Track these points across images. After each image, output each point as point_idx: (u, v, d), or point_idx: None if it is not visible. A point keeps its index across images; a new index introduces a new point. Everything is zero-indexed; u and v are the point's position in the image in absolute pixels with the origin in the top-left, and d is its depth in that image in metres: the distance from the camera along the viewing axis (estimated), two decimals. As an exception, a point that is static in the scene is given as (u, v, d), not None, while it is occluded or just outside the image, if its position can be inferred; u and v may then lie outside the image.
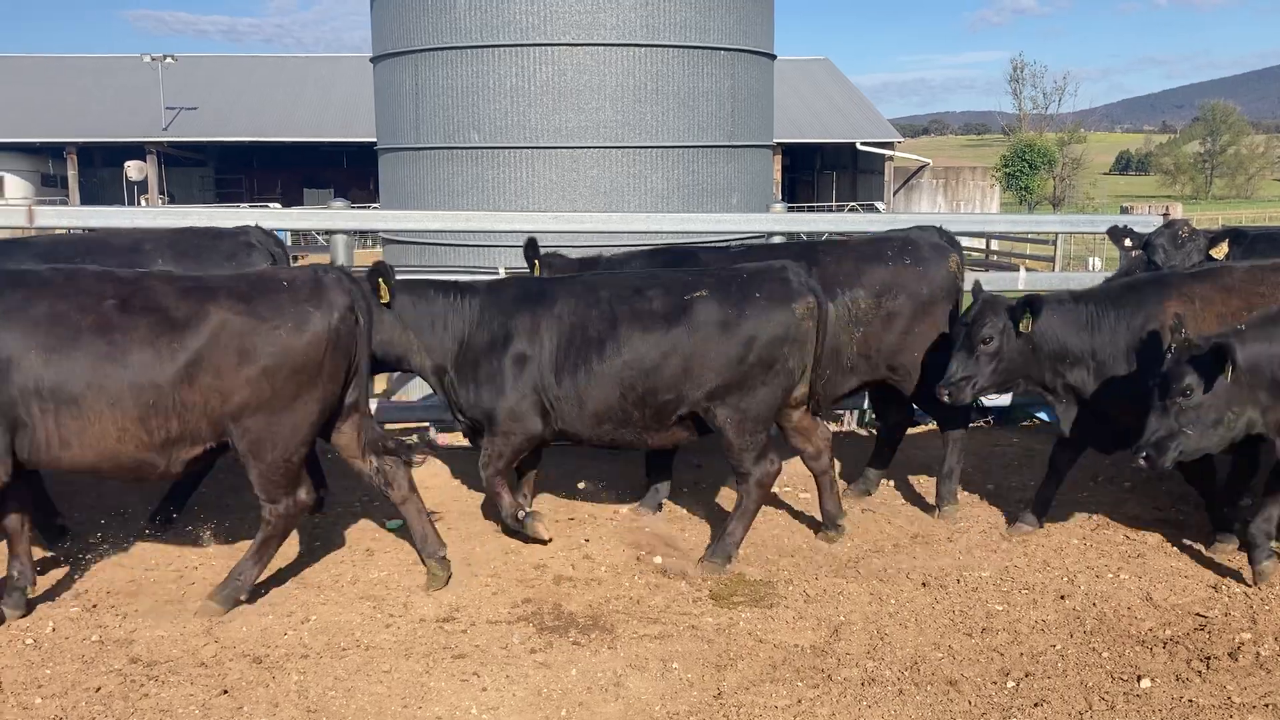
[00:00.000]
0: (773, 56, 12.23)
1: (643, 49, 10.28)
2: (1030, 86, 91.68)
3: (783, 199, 45.50)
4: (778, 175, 41.04)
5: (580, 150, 10.38)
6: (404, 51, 11.03)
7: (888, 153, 40.50)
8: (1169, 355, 5.46)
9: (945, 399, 6.22)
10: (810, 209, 41.14)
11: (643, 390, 5.86)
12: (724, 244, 7.18)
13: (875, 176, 40.73)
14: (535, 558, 6.19)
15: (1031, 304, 6.11)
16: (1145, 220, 8.86)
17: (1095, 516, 6.91)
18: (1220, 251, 7.18)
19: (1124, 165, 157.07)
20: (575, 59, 10.18)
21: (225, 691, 4.68)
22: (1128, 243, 7.57)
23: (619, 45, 10.27)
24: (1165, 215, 8.86)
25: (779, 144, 40.54)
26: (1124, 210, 9.23)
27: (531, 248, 6.77)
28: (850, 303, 6.64)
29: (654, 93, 10.43)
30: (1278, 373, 5.38)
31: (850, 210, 38.85)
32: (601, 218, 7.79)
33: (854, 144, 39.88)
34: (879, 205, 39.21)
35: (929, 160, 43.05)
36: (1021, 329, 6.14)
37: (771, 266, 6.11)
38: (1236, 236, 7.45)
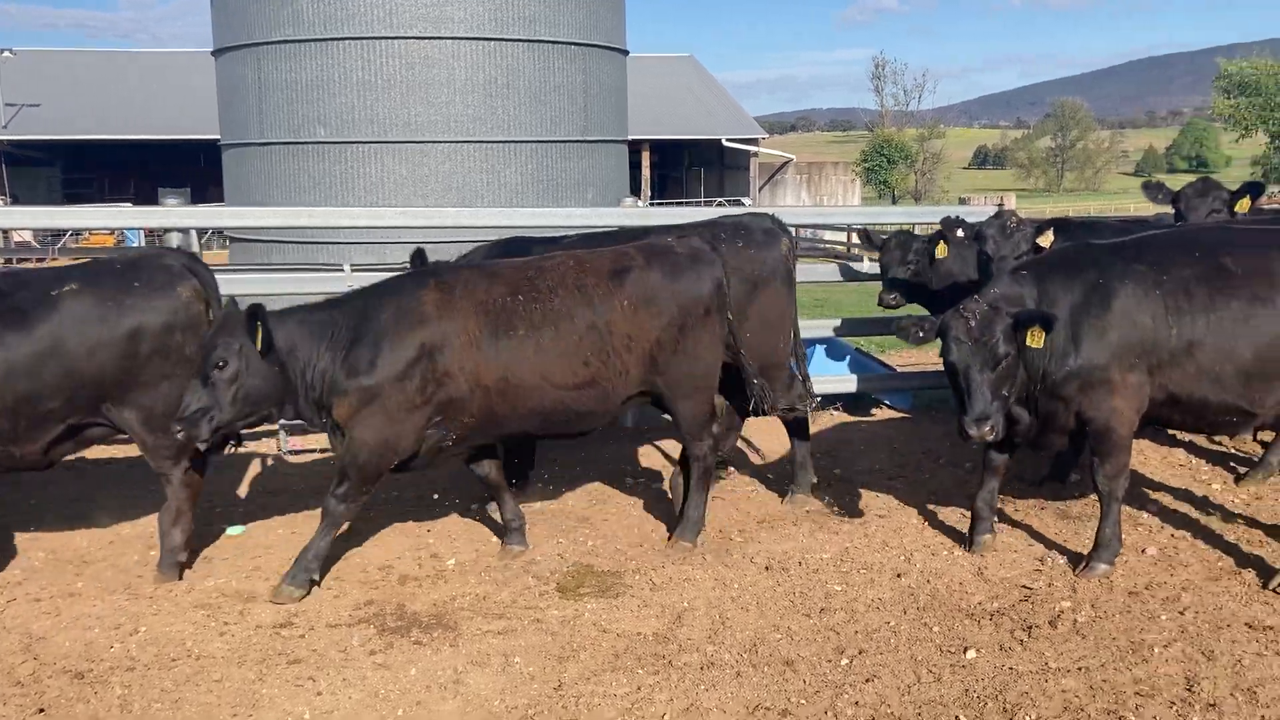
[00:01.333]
0: (625, 52, 12.28)
1: (492, 43, 10.20)
2: (892, 84, 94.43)
3: (653, 195, 45.97)
4: (647, 172, 41.41)
5: (430, 144, 10.24)
6: (245, 45, 10.72)
7: (753, 149, 41.18)
8: None
9: None
10: (680, 205, 41.58)
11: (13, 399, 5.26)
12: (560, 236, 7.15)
13: (741, 172, 41.35)
14: (381, 559, 6.10)
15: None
16: (981, 211, 9.20)
17: (935, 497, 7.15)
18: (1046, 240, 7.52)
19: (982, 160, 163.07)
20: (423, 52, 10.03)
21: (41, 710, 4.47)
22: (960, 232, 7.86)
23: (467, 39, 10.17)
24: (1000, 205, 9.20)
25: (645, 141, 40.96)
26: (962, 201, 9.55)
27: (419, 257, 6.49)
28: None
29: (505, 87, 10.36)
30: None
31: (717, 206, 39.45)
32: (451, 213, 7.70)
33: (720, 140, 40.41)
34: (745, 201, 39.84)
35: (793, 156, 43.93)
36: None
37: (148, 254, 5.90)
38: (1062, 226, 7.83)
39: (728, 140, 40.37)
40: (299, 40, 10.26)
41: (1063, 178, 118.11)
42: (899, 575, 5.88)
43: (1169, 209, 8.20)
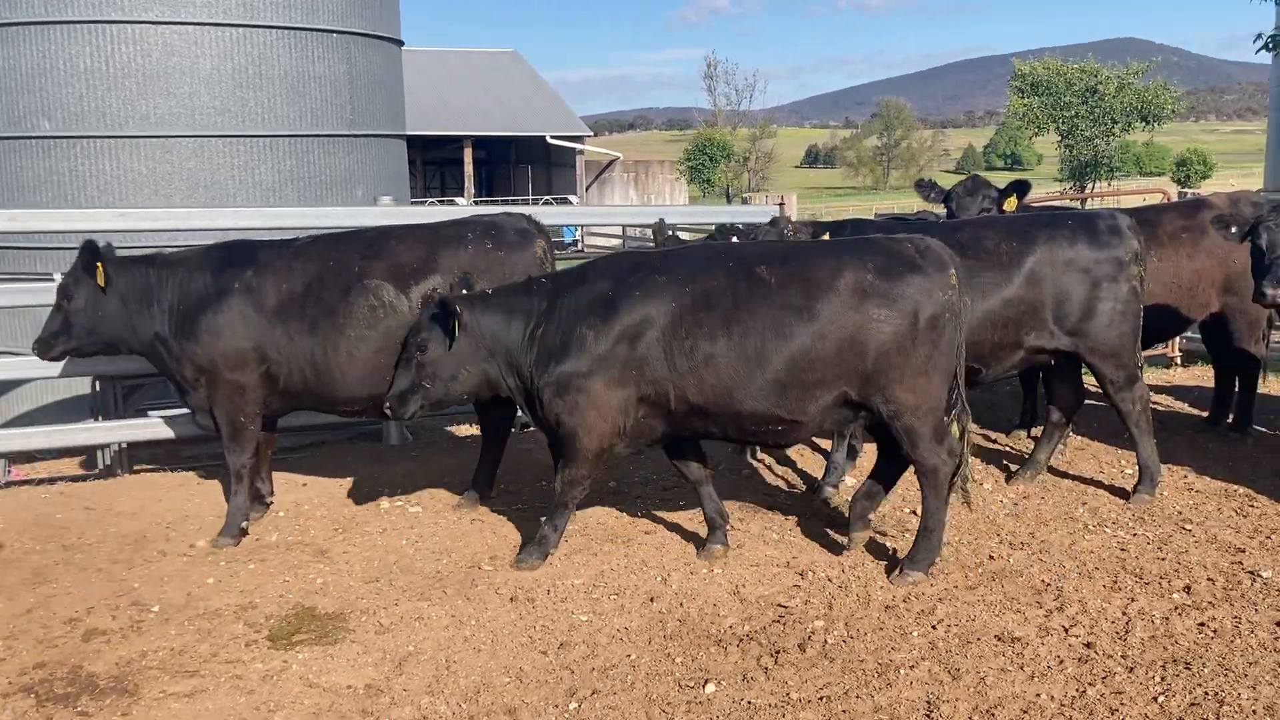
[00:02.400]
0: (399, 42, 11.62)
1: (240, 29, 9.42)
2: (724, 84, 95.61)
3: (480, 193, 45.12)
4: (469, 169, 40.56)
5: (173, 140, 9.37)
6: (-43, 28, 9.64)
7: (578, 146, 40.81)
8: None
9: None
10: (506, 203, 40.91)
11: None
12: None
13: (568, 170, 40.92)
14: (72, 610, 5.36)
15: None
16: (763, 211, 8.97)
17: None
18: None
19: (813, 159, 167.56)
20: (162, 38, 9.17)
21: None
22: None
23: (212, 25, 9.36)
24: (780, 205, 9.00)
25: (468, 137, 40.16)
26: (744, 200, 9.32)
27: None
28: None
29: (256, 77, 9.57)
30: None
31: (544, 204, 38.94)
32: (180, 214, 6.96)
33: (544, 137, 39.90)
34: (572, 199, 39.46)
35: (619, 155, 43.76)
36: None
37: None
38: (836, 228, 7.67)
39: (552, 138, 39.87)
40: (17, 23, 9.24)
41: (889, 175, 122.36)
42: (652, 599, 5.50)
43: (940, 207, 8.17)
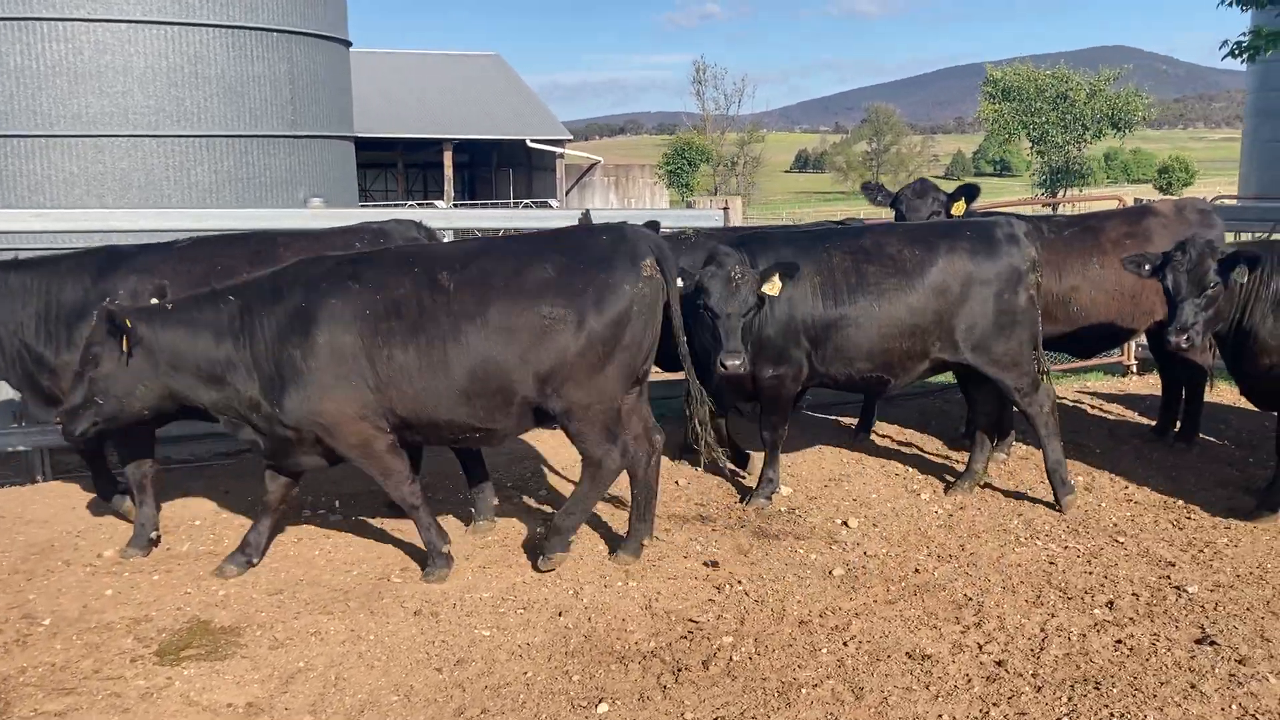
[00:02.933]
0: (345, 42, 11.44)
1: (175, 27, 9.25)
2: (712, 88, 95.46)
3: (462, 195, 44.94)
4: (449, 171, 40.35)
5: (105, 139, 9.20)
6: (-115, 24, 9.44)
7: (559, 150, 40.64)
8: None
9: None
10: (486, 205, 40.73)
11: None
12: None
13: (549, 174, 40.75)
14: (-40, 621, 5.19)
15: None
16: (706, 214, 8.84)
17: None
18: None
19: (803, 164, 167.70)
20: (93, 36, 8.99)
21: None
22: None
23: (145, 23, 9.19)
24: (725, 209, 8.87)
25: (448, 140, 39.94)
26: (689, 205, 9.19)
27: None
28: None
29: (192, 76, 9.40)
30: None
31: (524, 208, 38.77)
32: (99, 214, 6.80)
33: (525, 141, 39.73)
34: (551, 202, 39.30)
35: (600, 159, 43.62)
36: None
37: None
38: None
39: (532, 141, 39.70)
40: (-58, 21, 9.10)
41: (878, 180, 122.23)
42: (560, 613, 5.35)
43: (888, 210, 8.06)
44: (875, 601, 5.49)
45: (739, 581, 5.74)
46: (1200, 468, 7.59)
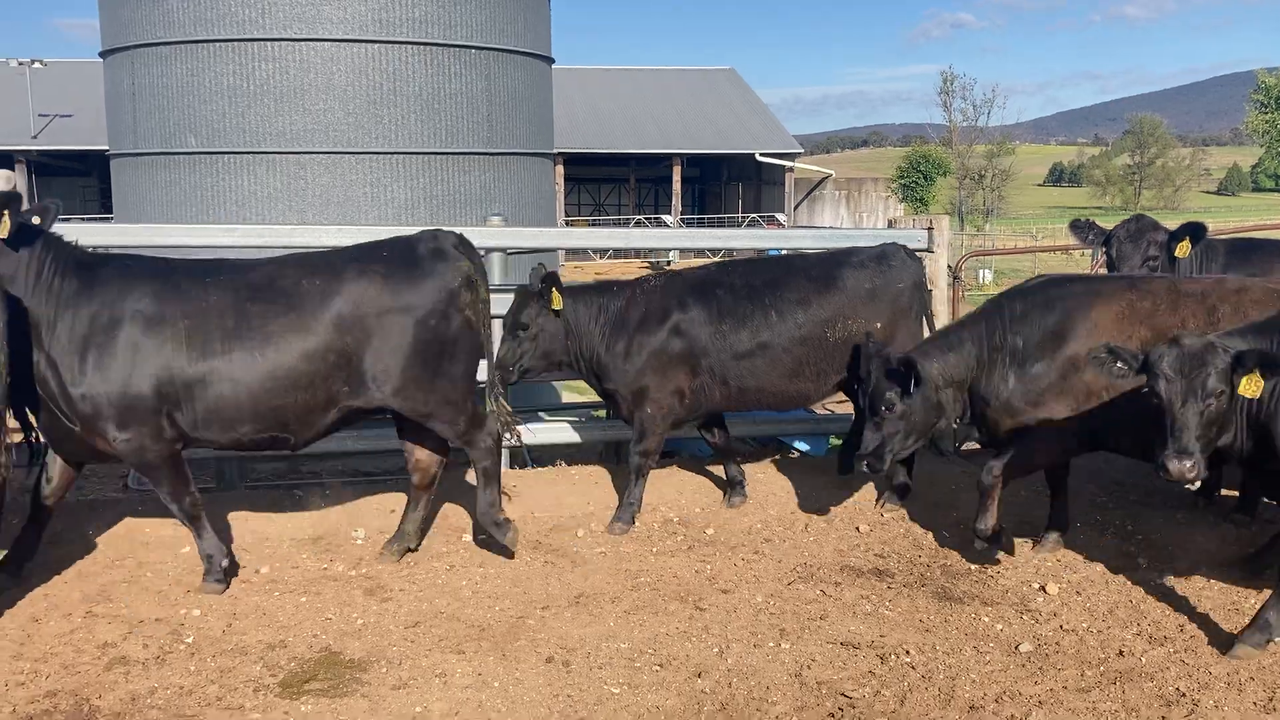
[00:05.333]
0: (548, 59, 11.40)
1: (375, 45, 9.44)
2: (960, 99, 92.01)
3: (692, 210, 45.07)
4: (677, 186, 40.52)
5: (306, 156, 9.48)
6: (123, 47, 10.09)
7: (788, 164, 40.03)
8: None
9: None
10: (712, 221, 40.66)
11: None
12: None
13: (778, 188, 40.24)
14: (107, 635, 5.26)
15: None
16: (909, 234, 8.17)
17: (799, 567, 6.17)
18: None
19: (1057, 177, 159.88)
20: (298, 55, 9.29)
21: None
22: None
23: (346, 41, 9.42)
24: (929, 229, 8.17)
25: (676, 155, 40.13)
26: (890, 223, 8.51)
27: None
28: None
29: (390, 94, 9.55)
30: None
31: (750, 223, 38.43)
32: (284, 230, 6.91)
33: (754, 155, 39.40)
34: (779, 216, 38.76)
35: (831, 172, 42.70)
36: None
37: None
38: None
39: (761, 155, 39.28)
40: (170, 42, 9.62)
41: (1140, 195, 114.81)
42: (699, 674, 4.90)
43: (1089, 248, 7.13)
44: (1064, 688, 4.74)
45: (907, 652, 5.11)
46: None
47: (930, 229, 8.08)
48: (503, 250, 7.43)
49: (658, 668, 4.95)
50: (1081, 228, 7.16)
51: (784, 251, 7.94)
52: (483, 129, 10.16)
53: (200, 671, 4.90)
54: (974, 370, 6.04)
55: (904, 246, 7.19)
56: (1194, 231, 6.64)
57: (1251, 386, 4.73)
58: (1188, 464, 4.72)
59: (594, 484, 7.48)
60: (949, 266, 8.48)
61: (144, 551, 6.35)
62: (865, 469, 6.09)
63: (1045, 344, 5.85)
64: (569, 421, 8.17)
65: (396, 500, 7.30)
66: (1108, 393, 5.68)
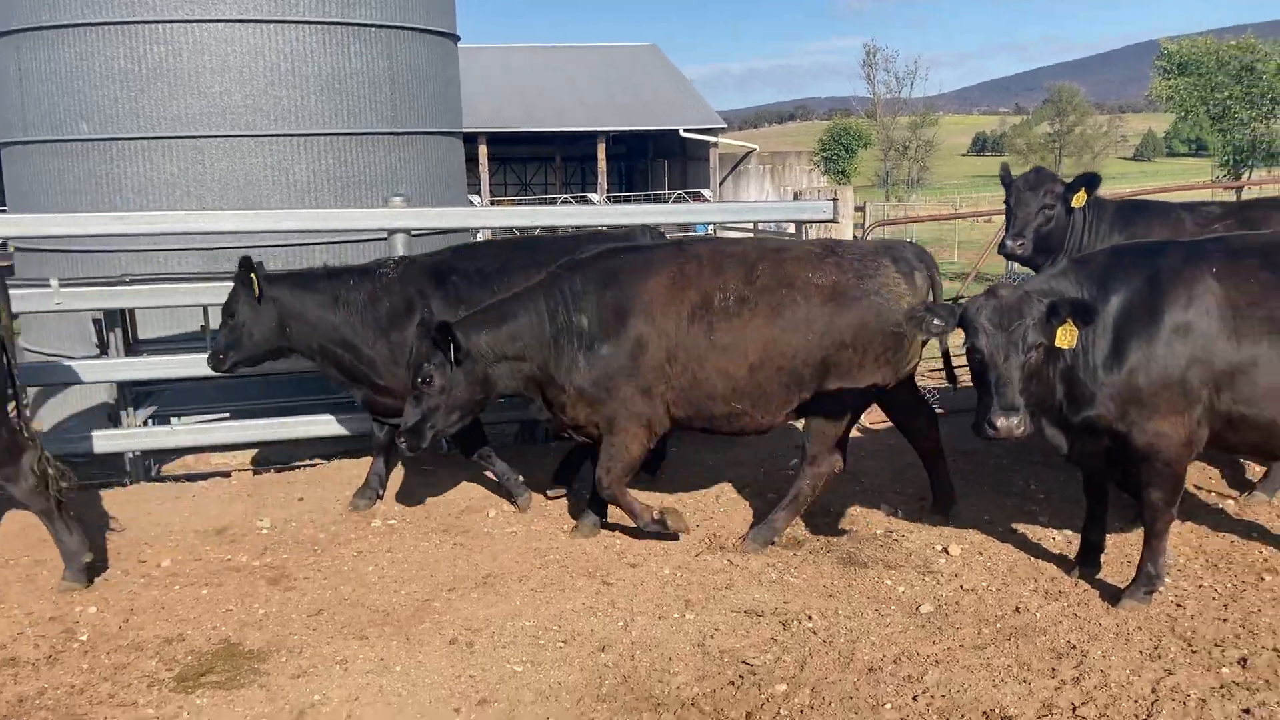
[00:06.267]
0: (454, 37, 11.24)
1: (271, 25, 9.22)
2: (884, 71, 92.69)
3: (618, 188, 44.90)
4: (603, 164, 40.38)
5: (205, 140, 9.26)
6: (6, 31, 9.75)
7: (712, 139, 40.08)
8: None
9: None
10: (643, 198, 40.59)
11: None
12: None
13: (703, 164, 40.29)
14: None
15: None
16: (815, 206, 8.22)
17: (708, 538, 6.22)
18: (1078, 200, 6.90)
19: (980, 146, 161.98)
20: (192, 37, 9.05)
21: None
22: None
23: (241, 21, 9.20)
24: (834, 200, 8.22)
25: (601, 132, 39.97)
26: (796, 195, 8.55)
27: None
28: None
29: (289, 74, 9.35)
30: None
31: (676, 199, 38.45)
32: (177, 217, 6.74)
33: (678, 131, 39.37)
34: (704, 193, 38.82)
35: (755, 146, 42.84)
36: None
37: None
38: None
39: (685, 131, 39.29)
40: (56, 26, 9.31)
41: (1060, 163, 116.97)
42: (603, 648, 4.91)
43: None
44: (961, 646, 4.83)
45: (809, 617, 5.17)
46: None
47: (835, 200, 8.13)
48: (406, 231, 7.33)
49: (562, 644, 4.95)
50: (1005, 175, 7.26)
51: (710, 229, 7.91)
52: (386, 108, 10.00)
53: (93, 669, 4.80)
54: (542, 350, 5.76)
55: (651, 229, 7.11)
56: (1089, 182, 6.77)
57: (1068, 337, 4.69)
58: (1014, 420, 4.57)
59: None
60: (854, 237, 8.54)
61: (41, 550, 6.19)
62: (405, 449, 5.70)
63: (609, 323, 5.69)
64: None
65: (302, 489, 7.23)
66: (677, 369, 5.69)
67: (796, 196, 8.47)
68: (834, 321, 5.71)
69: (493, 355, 5.70)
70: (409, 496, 6.97)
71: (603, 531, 6.35)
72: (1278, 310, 4.71)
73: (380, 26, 9.73)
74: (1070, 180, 6.85)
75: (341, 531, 6.44)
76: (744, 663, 4.76)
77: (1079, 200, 6.74)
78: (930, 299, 5.83)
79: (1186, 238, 6.09)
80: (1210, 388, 4.79)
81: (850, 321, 5.72)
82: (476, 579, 5.70)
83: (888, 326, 5.69)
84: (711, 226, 35.09)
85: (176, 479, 8.03)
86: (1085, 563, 5.55)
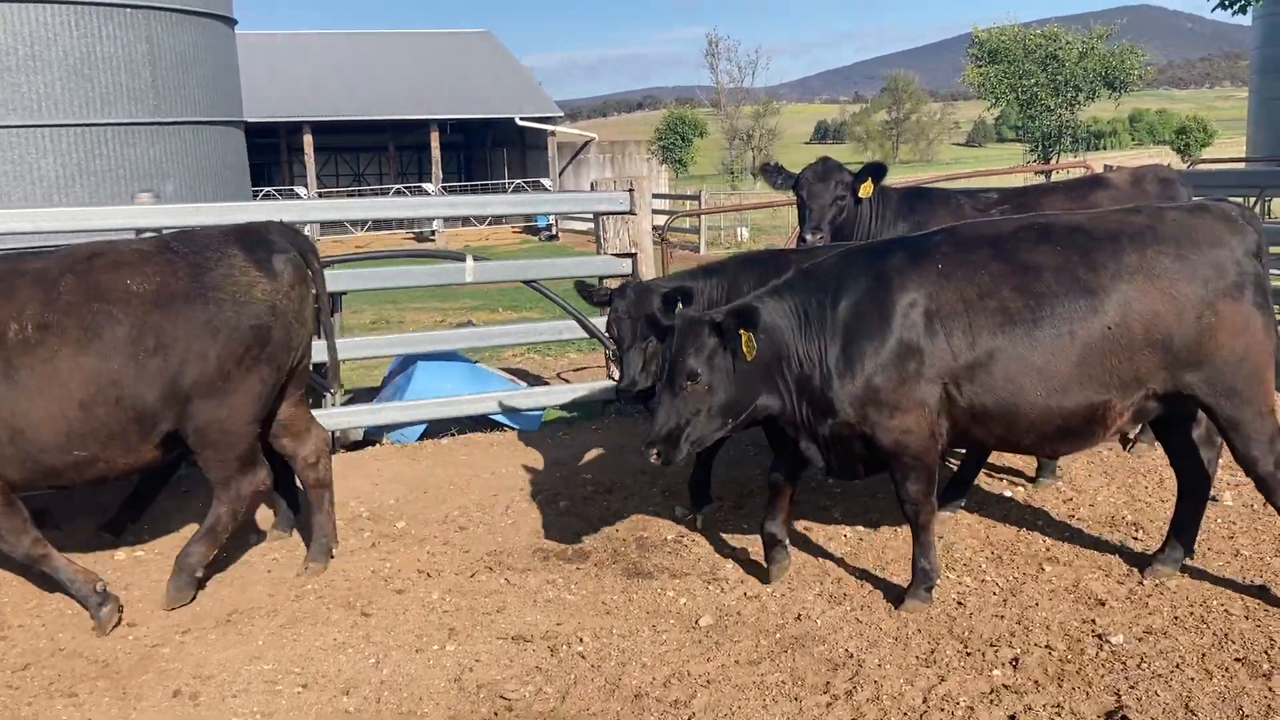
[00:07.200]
0: (228, 20, 10.48)
1: (10, 4, 8.35)
2: (726, 60, 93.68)
3: (457, 177, 43.98)
4: (437, 154, 39.42)
5: (-69, 133, 8.36)
6: None
7: (549, 128, 39.58)
8: None
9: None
10: (483, 188, 39.83)
11: None
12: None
13: (542, 153, 39.73)
14: None
15: None
16: (611, 197, 7.87)
17: (488, 555, 5.81)
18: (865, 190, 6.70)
19: (822, 134, 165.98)
20: (-92, 19, 8.15)
21: None
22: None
23: (-33, 0, 8.33)
24: (630, 191, 7.90)
25: (434, 121, 38.99)
26: (592, 186, 8.21)
27: None
28: None
29: (30, 59, 8.47)
30: None
31: (515, 189, 37.83)
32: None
33: (514, 119, 38.72)
34: (544, 182, 38.31)
35: (594, 135, 42.52)
36: None
37: None
38: None
39: (521, 119, 38.65)
40: None
41: (898, 150, 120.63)
42: (346, 691, 4.46)
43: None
44: (735, 663, 4.56)
45: (581, 640, 4.82)
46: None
47: (631, 191, 7.81)
48: (157, 231, 6.65)
49: (300, 689, 4.47)
50: (771, 172, 7.03)
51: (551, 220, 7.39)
52: (147, 96, 9.19)
53: None
54: None
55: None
56: (875, 172, 6.63)
57: (749, 347, 4.59)
58: (653, 452, 4.69)
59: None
60: (655, 228, 8.25)
61: None
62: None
63: None
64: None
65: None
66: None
67: (593, 188, 8.11)
68: (169, 332, 4.94)
69: None
70: (163, 523, 6.35)
71: (372, 554, 5.88)
72: (1011, 301, 4.61)
73: (136, 7, 8.90)
74: (858, 171, 6.69)
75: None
76: (501, 697, 4.38)
77: (866, 190, 6.59)
78: (303, 282, 5.37)
79: (967, 221, 5.98)
80: (948, 382, 4.68)
81: (197, 328, 4.99)
82: (219, 617, 5.16)
83: (243, 323, 5.08)
84: (553, 218, 34.76)
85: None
86: None
